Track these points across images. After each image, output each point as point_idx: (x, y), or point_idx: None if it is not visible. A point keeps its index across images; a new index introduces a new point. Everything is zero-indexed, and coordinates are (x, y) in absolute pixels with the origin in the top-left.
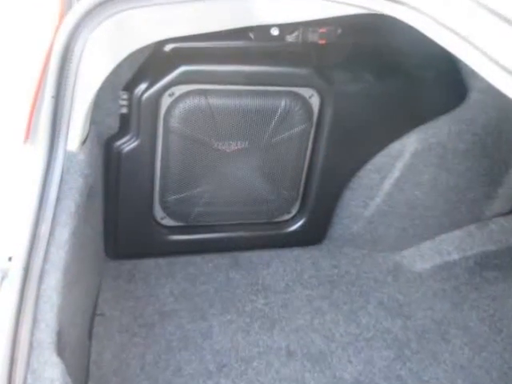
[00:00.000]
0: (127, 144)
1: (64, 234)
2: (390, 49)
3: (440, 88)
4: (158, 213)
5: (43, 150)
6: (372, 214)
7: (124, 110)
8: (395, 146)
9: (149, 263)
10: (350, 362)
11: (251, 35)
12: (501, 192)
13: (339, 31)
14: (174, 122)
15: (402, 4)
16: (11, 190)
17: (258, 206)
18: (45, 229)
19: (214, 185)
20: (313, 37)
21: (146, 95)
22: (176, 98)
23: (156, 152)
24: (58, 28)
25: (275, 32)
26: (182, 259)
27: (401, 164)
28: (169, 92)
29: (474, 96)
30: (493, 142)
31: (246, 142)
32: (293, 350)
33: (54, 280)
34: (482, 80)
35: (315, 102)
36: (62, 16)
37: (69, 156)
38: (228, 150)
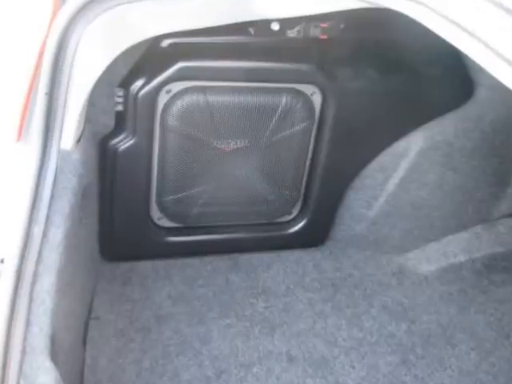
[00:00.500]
0: (123, 142)
1: (58, 235)
2: (395, 44)
3: (446, 85)
4: (155, 213)
5: (36, 148)
6: (376, 215)
7: (120, 108)
8: (400, 145)
9: (145, 265)
10: (353, 367)
11: (251, 30)
12: (509, 192)
13: (342, 26)
14: (172, 120)
15: None
16: (3, 190)
17: (258, 207)
18: (38, 230)
19: (212, 185)
20: (315, 32)
21: (142, 92)
22: (173, 94)
23: (153, 151)
24: (51, 22)
25: (276, 27)
26: (180, 261)
27: (405, 163)
28: (166, 89)
29: (481, 93)
30: (501, 140)
31: (246, 141)
32: (294, 355)
33: (47, 283)
34: (490, 76)
35: (317, 99)
36: (56, 10)
37: (63, 155)
38: (227, 149)
